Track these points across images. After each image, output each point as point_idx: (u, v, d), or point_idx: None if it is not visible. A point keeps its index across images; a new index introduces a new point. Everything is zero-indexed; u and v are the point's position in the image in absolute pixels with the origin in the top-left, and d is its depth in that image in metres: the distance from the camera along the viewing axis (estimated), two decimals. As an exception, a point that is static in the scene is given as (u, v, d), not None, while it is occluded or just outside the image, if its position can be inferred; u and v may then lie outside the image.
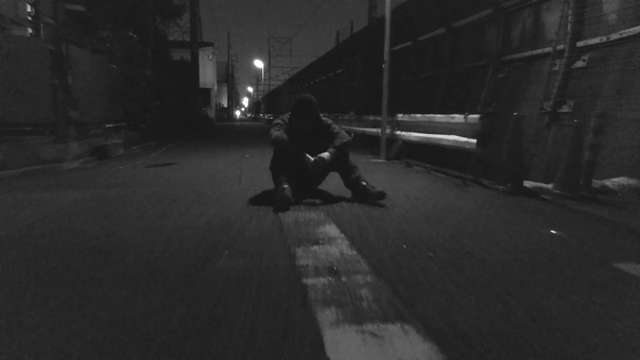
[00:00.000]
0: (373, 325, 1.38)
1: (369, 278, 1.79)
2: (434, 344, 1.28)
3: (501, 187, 4.18)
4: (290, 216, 2.88)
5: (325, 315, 1.45)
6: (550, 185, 4.34)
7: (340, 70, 15.69)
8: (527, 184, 4.42)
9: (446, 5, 8.91)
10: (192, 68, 17.85)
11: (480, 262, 2.02)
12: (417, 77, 10.46)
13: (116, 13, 10.92)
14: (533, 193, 4.09)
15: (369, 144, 9.09)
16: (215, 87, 38.23)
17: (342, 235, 2.43)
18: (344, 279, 1.78)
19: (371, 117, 8.71)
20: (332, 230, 2.54)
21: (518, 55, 6.99)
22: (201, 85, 22.43)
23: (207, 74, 32.80)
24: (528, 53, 6.75)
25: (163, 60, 14.42)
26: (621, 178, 4.73)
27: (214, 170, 5.48)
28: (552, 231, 2.61)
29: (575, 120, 4.27)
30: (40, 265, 1.96)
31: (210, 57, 34.89)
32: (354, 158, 3.65)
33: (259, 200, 3.44)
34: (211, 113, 31.89)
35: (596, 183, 4.45)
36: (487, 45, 7.90)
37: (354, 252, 2.12)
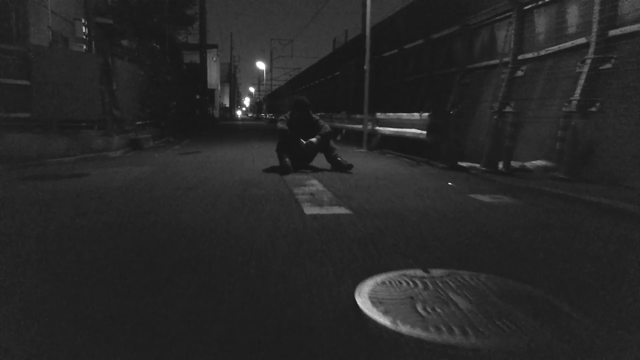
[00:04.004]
0: (326, 206, 3.08)
1: (329, 196, 3.49)
2: (351, 211, 2.96)
3: (441, 164, 5.81)
4: (290, 177, 4.58)
5: (305, 205, 3.14)
6: (478, 165, 5.96)
7: (338, 73, 17.25)
8: (463, 163, 6.03)
9: (425, 19, 10.51)
10: (201, 71, 19.53)
11: (392, 192, 3.71)
12: (403, 81, 12.01)
13: (138, 24, 12.57)
14: (464, 169, 5.71)
15: (358, 139, 10.68)
16: (219, 87, 39.90)
17: (320, 183, 4.12)
18: (316, 196, 3.47)
19: (358, 116, 10.34)
20: (314, 182, 4.22)
21: (478, 65, 8.58)
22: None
23: (212, 75, 34.32)
24: (485, 63, 8.34)
25: (176, 64, 16.07)
26: (538, 161, 6.35)
27: (231, 156, 7.14)
28: (450, 183, 4.25)
29: (495, 117, 5.90)
30: (153, 194, 3.61)
31: (215, 58, 36.49)
32: (344, 149, 5.33)
33: (269, 170, 5.13)
34: (215, 113, 33.56)
35: (516, 164, 6.08)
36: (456, 55, 9.50)
37: (325, 189, 3.82)
